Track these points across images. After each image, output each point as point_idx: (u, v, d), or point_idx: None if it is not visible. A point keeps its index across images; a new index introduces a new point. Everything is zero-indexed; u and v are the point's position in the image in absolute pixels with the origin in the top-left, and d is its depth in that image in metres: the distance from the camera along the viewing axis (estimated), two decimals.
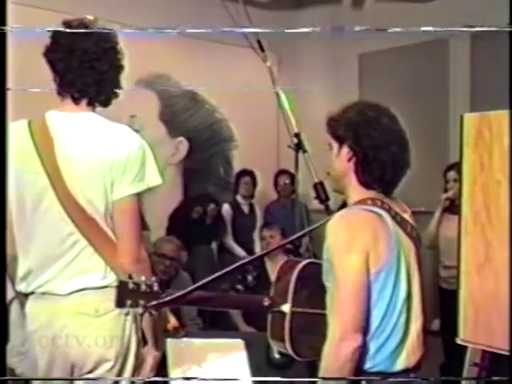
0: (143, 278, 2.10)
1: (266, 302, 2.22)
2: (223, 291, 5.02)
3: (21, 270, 2.31)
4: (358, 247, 1.91)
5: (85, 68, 2.26)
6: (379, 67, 7.21)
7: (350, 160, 2.05)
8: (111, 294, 2.12)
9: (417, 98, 6.50)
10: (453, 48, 6.69)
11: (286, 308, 2.17)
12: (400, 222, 2.06)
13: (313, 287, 2.12)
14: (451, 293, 4.43)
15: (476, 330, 2.68)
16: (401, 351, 1.99)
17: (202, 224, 6.18)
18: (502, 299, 2.53)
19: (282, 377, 2.13)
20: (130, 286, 2.08)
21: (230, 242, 6.38)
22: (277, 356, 2.82)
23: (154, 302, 2.07)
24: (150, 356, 2.47)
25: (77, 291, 2.23)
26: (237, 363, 2.53)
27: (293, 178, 5.93)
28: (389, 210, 2.03)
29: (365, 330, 1.92)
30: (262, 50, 3.55)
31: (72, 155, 2.22)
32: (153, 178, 2.28)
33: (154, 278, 2.12)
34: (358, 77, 7.47)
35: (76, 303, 2.24)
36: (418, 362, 2.04)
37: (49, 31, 2.31)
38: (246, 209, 6.61)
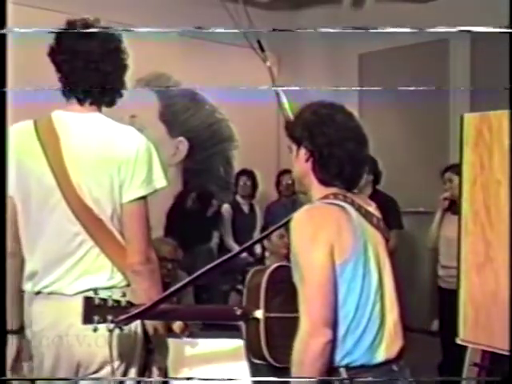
0: (109, 293, 2.09)
1: (238, 311, 2.17)
2: (224, 293, 5.03)
3: (27, 270, 2.31)
4: (322, 240, 1.91)
5: (90, 69, 2.26)
6: (379, 67, 7.21)
7: (307, 160, 2.07)
8: (117, 294, 2.16)
9: (417, 97, 6.50)
10: (453, 48, 6.69)
11: (258, 314, 2.13)
12: (365, 214, 2.07)
13: (285, 291, 2.08)
14: (450, 292, 4.47)
15: (476, 330, 2.68)
16: (379, 343, 1.98)
17: (200, 216, 6.18)
18: (502, 299, 2.53)
19: (282, 377, 2.12)
20: (96, 301, 2.07)
21: (230, 241, 6.38)
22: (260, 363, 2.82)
23: (122, 317, 2.04)
24: (156, 366, 2.43)
25: (84, 291, 2.21)
26: (237, 363, 2.53)
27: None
28: (352, 203, 2.04)
29: (334, 324, 1.90)
30: (262, 50, 3.56)
31: (79, 155, 2.22)
32: (160, 181, 2.30)
33: (121, 293, 2.13)
34: (358, 77, 7.47)
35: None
36: (399, 352, 2.02)
37: (50, 32, 2.32)
38: (246, 209, 6.62)
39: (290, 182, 6.45)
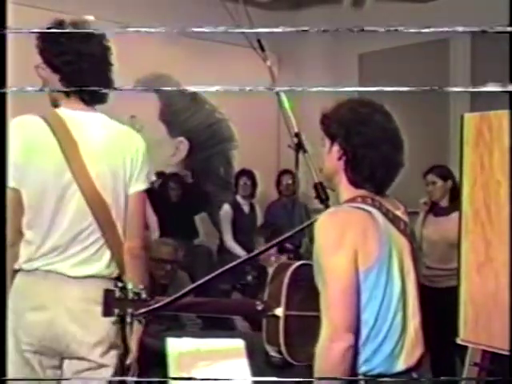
0: (130, 286, 2.10)
1: (259, 307, 2.18)
2: (224, 292, 5.03)
3: (36, 254, 2.38)
4: (346, 245, 1.88)
5: (92, 70, 2.39)
6: (379, 67, 7.22)
7: (340, 158, 2.01)
8: (110, 285, 2.27)
9: (417, 98, 6.50)
10: (453, 48, 6.69)
11: (279, 312, 2.13)
12: (392, 219, 2.02)
13: (306, 289, 2.07)
14: (434, 290, 4.48)
15: (476, 330, 2.68)
16: (400, 351, 1.95)
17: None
18: (502, 299, 2.53)
19: (282, 377, 2.12)
20: (117, 294, 2.07)
21: (230, 241, 6.38)
22: (276, 356, 2.82)
23: (142, 310, 2.05)
24: (134, 338, 2.49)
25: (83, 277, 2.38)
26: (237, 363, 2.53)
27: (295, 178, 5.94)
28: (379, 208, 1.99)
29: (356, 329, 1.88)
30: (263, 49, 3.54)
31: (95, 152, 2.39)
32: (152, 176, 2.58)
33: (141, 286, 2.14)
34: (358, 76, 7.47)
35: (81, 289, 2.38)
36: (419, 360, 2.00)
37: (50, 32, 2.35)
38: (246, 209, 6.61)
39: (290, 181, 6.45)
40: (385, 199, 2.05)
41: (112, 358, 2.45)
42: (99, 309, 2.25)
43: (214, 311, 2.43)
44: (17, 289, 2.41)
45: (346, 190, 2.04)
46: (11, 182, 2.32)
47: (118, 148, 2.44)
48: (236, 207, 6.54)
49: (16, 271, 2.42)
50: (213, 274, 2.14)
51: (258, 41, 3.53)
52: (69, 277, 2.38)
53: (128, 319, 2.08)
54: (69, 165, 2.35)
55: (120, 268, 2.45)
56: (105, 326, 2.34)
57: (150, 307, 2.06)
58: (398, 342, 1.95)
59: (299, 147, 3.52)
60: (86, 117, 2.43)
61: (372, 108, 2.03)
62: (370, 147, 1.97)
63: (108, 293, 2.09)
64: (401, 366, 1.95)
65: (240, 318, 4.75)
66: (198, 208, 6.71)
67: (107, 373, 2.44)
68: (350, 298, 1.87)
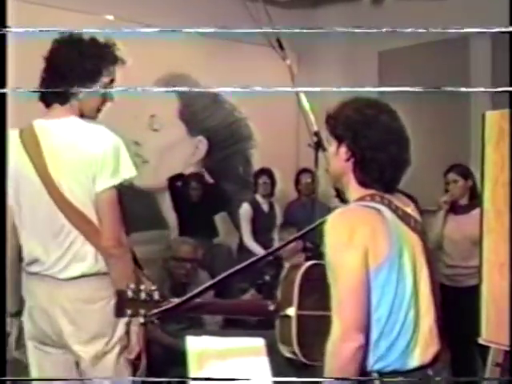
0: (143, 287, 2.11)
1: (271, 307, 2.18)
2: (242, 291, 5.03)
3: (27, 258, 2.57)
4: (356, 243, 1.88)
5: (86, 77, 2.51)
6: (399, 65, 7.17)
7: (348, 160, 2.02)
8: (104, 282, 2.46)
9: (438, 96, 6.45)
10: (473, 45, 6.63)
11: (291, 311, 2.13)
12: (402, 216, 2.02)
13: (318, 289, 2.06)
14: (455, 290, 4.46)
15: (498, 330, 2.66)
16: (414, 348, 1.94)
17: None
18: None
19: (304, 376, 2.11)
20: (130, 294, 2.08)
21: (250, 240, 6.38)
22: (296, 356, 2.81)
23: (154, 311, 2.05)
24: (133, 333, 2.54)
25: (74, 278, 2.48)
26: (257, 362, 2.53)
27: (314, 176, 5.92)
28: (389, 205, 1.99)
29: (367, 329, 1.88)
30: (282, 48, 3.54)
31: (58, 158, 2.49)
32: (127, 171, 2.53)
33: (154, 287, 2.16)
34: (378, 75, 7.43)
35: (73, 290, 2.49)
36: (434, 357, 1.99)
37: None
38: (265, 208, 6.60)
39: (309, 180, 6.42)
40: (394, 197, 2.06)
41: (107, 354, 2.53)
42: (93, 307, 2.47)
43: (226, 312, 2.44)
44: (26, 289, 2.61)
45: (354, 189, 2.05)
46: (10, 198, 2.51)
47: (79, 149, 2.47)
48: (255, 206, 6.54)
49: (26, 273, 2.60)
50: (224, 274, 2.16)
51: (278, 40, 3.53)
52: (60, 279, 2.49)
53: (140, 320, 2.09)
54: (37, 173, 2.48)
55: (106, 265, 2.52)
56: (99, 324, 2.48)
57: (162, 308, 2.06)
58: (412, 338, 1.95)
59: (319, 146, 3.52)
60: (56, 124, 2.52)
61: (377, 108, 2.04)
62: (377, 148, 1.98)
63: (120, 293, 2.10)
64: (415, 362, 1.95)
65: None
66: (219, 208, 6.72)
67: (104, 369, 2.52)
68: (361, 297, 1.88)
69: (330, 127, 2.08)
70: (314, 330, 2.10)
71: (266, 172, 6.65)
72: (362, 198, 2.01)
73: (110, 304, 2.41)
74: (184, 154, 6.95)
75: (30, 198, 2.52)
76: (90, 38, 2.52)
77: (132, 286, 2.14)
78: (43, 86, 2.55)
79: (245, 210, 6.48)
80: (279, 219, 6.53)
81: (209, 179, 6.95)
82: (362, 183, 2.03)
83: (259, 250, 6.19)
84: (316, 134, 3.51)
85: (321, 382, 1.98)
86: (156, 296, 2.11)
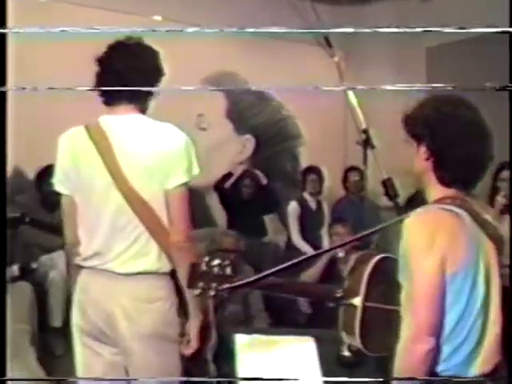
0: (216, 261, 2.14)
1: (339, 294, 2.21)
2: None
3: (86, 253, 2.57)
4: (436, 248, 1.87)
5: (144, 78, 2.55)
6: (448, 60, 7.07)
7: (427, 159, 2.01)
8: (163, 282, 2.50)
9: (488, 92, 6.34)
10: None
11: (357, 301, 2.16)
12: (481, 222, 1.99)
13: (386, 282, 2.09)
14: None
15: None
16: (476, 356, 1.93)
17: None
18: None
19: (353, 376, 2.11)
20: (203, 267, 2.12)
21: (298, 238, 6.37)
22: (346, 354, 2.80)
23: (226, 286, 2.09)
24: (193, 329, 2.56)
25: (134, 274, 2.49)
26: (306, 361, 2.52)
27: (362, 174, 5.89)
28: (469, 210, 1.97)
29: (438, 332, 1.88)
30: (330, 45, 3.53)
31: (130, 154, 2.51)
32: (196, 169, 2.59)
33: (227, 262, 2.18)
34: (426, 71, 7.34)
35: (132, 287, 2.50)
36: (495, 367, 1.96)
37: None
38: (313, 206, 6.58)
39: (357, 178, 6.37)
40: (474, 201, 2.04)
41: (161, 352, 2.53)
42: (150, 306, 2.48)
43: (294, 292, 2.47)
44: (80, 283, 2.60)
45: (435, 189, 2.03)
46: (64, 190, 2.59)
47: (151, 146, 2.51)
48: (303, 204, 6.52)
49: (80, 267, 2.60)
50: (294, 260, 2.17)
51: (325, 37, 3.52)
52: (119, 274, 2.51)
53: (211, 293, 2.14)
54: (106, 167, 2.51)
55: (172, 261, 2.53)
56: (156, 323, 2.49)
57: (234, 284, 2.10)
58: (476, 347, 1.93)
59: (367, 143, 3.49)
60: (123, 120, 2.57)
61: (455, 105, 2.01)
62: (457, 146, 1.96)
63: (194, 266, 2.15)
64: (476, 371, 1.93)
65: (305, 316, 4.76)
66: (269, 209, 6.73)
67: (158, 367, 2.52)
68: (436, 302, 1.87)
69: (409, 127, 2.07)
70: (377, 323, 2.14)
71: (313, 170, 6.63)
72: (442, 199, 1.99)
73: (168, 304, 2.50)
74: (231, 152, 6.97)
75: (98, 191, 2.53)
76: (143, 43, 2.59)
77: (206, 259, 2.18)
78: (100, 85, 2.57)
79: (293, 208, 6.47)
80: (327, 217, 6.50)
81: (263, 180, 6.96)
82: (443, 182, 2.01)
83: (307, 248, 6.18)
84: (364, 131, 3.48)
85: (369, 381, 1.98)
86: (228, 271, 2.15)
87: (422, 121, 2.02)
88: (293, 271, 2.36)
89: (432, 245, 1.88)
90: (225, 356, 2.69)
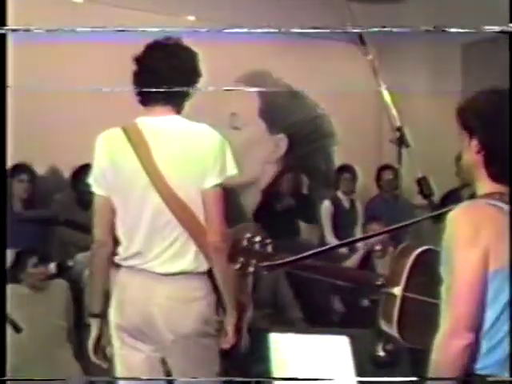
0: (258, 238, 2.15)
1: (379, 281, 2.23)
2: None
3: (126, 253, 2.61)
4: (480, 244, 1.84)
5: (182, 78, 2.58)
6: (484, 57, 6.98)
7: (479, 152, 1.97)
8: (201, 281, 2.55)
9: None
10: None
11: (397, 291, 2.17)
12: None
13: (428, 274, 2.08)
14: None
15: None
16: None
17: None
18: None
19: (387, 376, 2.09)
20: (244, 243, 2.13)
21: (331, 237, 6.35)
22: (381, 354, 2.79)
23: (266, 263, 2.10)
24: (230, 325, 2.60)
25: (173, 274, 2.53)
26: (341, 360, 2.51)
27: (396, 173, 5.84)
28: None
29: (477, 328, 1.85)
30: (364, 43, 3.51)
31: (167, 154, 2.55)
32: (232, 170, 2.61)
33: (268, 240, 2.20)
34: (461, 67, 7.26)
35: (170, 287, 2.54)
36: None
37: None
38: (346, 204, 6.57)
39: (391, 177, 6.34)
40: None
41: (200, 349, 2.57)
42: (187, 306, 2.52)
43: (333, 276, 2.48)
44: (119, 282, 2.63)
45: (485, 183, 1.99)
46: (100, 191, 2.61)
47: (188, 147, 2.54)
48: (337, 203, 6.51)
49: (118, 266, 2.64)
50: (331, 245, 2.17)
51: (359, 35, 3.50)
52: (159, 274, 2.54)
53: (251, 269, 2.15)
54: (144, 168, 2.53)
55: (209, 260, 2.55)
56: (194, 322, 2.53)
57: (274, 262, 2.11)
58: None
59: (401, 142, 3.47)
60: (160, 121, 2.58)
61: (507, 97, 1.97)
62: (508, 139, 1.92)
63: (236, 242, 2.17)
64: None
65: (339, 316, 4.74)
66: (309, 219, 6.72)
67: (198, 365, 2.57)
68: (477, 297, 1.85)
69: (462, 120, 2.04)
70: (416, 314, 2.15)
71: (347, 168, 6.62)
72: (491, 195, 1.96)
73: (205, 303, 2.54)
74: (264, 151, 6.97)
75: (136, 192, 2.56)
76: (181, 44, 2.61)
77: (248, 235, 2.19)
78: (138, 85, 2.60)
79: (326, 207, 6.46)
80: (360, 216, 6.48)
81: (303, 189, 6.98)
82: (492, 176, 1.97)
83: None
84: (398, 129, 3.45)
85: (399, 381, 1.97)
86: (269, 249, 2.16)
87: (474, 113, 2.00)
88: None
89: (476, 238, 1.85)
90: (259, 355, 2.70)
